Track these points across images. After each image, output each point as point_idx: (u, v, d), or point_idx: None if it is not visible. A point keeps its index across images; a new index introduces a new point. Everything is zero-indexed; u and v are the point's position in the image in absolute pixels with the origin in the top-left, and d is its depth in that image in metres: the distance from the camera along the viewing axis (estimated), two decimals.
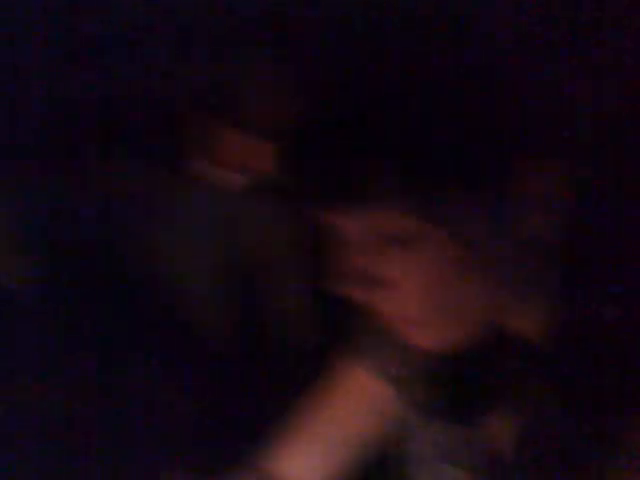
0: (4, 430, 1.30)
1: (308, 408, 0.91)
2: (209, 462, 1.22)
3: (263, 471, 0.89)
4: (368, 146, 0.65)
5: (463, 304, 0.69)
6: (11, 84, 1.27)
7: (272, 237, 1.31)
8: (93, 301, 1.29)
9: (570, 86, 0.72)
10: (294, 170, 0.68)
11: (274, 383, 1.33)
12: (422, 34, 0.68)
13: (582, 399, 0.70)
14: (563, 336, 0.70)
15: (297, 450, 0.89)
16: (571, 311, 0.70)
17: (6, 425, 1.31)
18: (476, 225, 0.66)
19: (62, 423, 1.33)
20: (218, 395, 1.37)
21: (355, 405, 0.90)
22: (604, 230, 0.71)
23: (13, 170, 1.31)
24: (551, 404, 0.72)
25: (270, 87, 1.12)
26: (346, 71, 0.67)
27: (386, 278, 0.68)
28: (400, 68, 0.66)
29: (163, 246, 1.30)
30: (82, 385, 1.34)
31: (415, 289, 0.68)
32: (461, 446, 0.80)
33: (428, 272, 0.67)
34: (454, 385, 0.76)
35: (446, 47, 0.67)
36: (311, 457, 0.89)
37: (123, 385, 1.36)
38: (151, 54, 1.12)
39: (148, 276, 1.31)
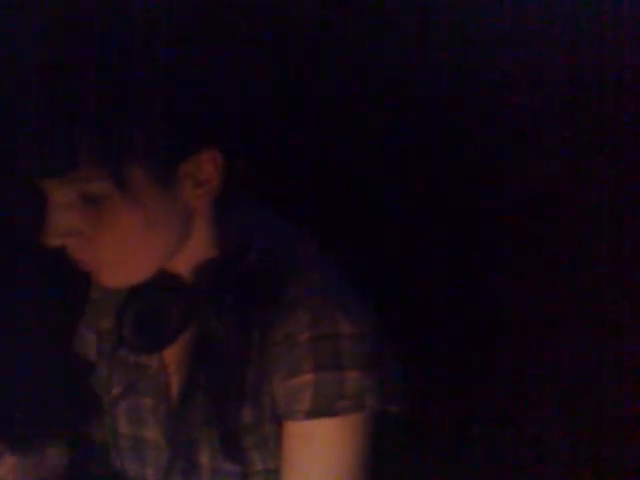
0: None
1: None
2: None
3: None
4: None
5: (140, 251, 0.90)
6: None
7: None
8: None
9: None
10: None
11: None
12: None
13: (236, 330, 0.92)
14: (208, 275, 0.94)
15: None
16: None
17: None
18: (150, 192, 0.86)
19: None
20: None
21: None
22: None
23: None
24: (215, 331, 0.93)
25: None
26: None
27: (82, 231, 0.88)
28: None
29: None
30: None
31: (103, 239, 0.88)
32: (146, 377, 1.01)
33: (114, 225, 0.87)
34: (136, 316, 0.95)
35: None
36: None
37: None
38: None
39: None
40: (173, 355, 0.99)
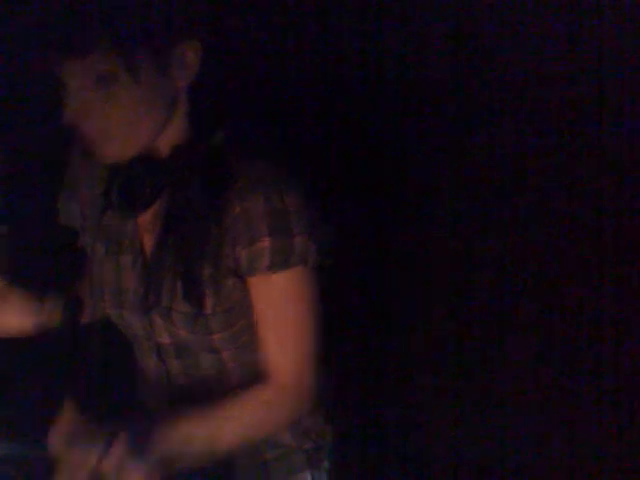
0: None
1: None
2: None
3: None
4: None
5: (139, 126, 1.16)
6: None
7: None
8: None
9: None
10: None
11: None
12: None
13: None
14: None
15: None
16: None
17: None
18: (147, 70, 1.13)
19: None
20: None
21: None
22: None
23: None
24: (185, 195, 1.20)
25: None
26: None
27: (94, 108, 1.13)
28: None
29: None
30: None
31: (111, 115, 1.14)
32: (125, 239, 1.29)
33: (120, 102, 1.13)
34: (125, 183, 1.20)
35: None
36: None
37: None
38: None
39: None
40: (146, 222, 1.27)
